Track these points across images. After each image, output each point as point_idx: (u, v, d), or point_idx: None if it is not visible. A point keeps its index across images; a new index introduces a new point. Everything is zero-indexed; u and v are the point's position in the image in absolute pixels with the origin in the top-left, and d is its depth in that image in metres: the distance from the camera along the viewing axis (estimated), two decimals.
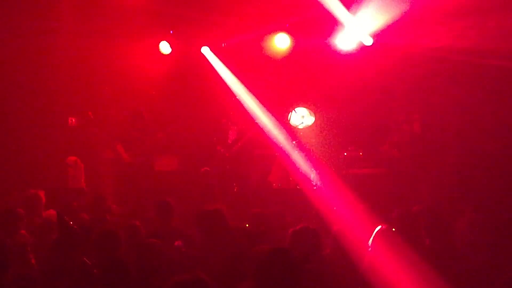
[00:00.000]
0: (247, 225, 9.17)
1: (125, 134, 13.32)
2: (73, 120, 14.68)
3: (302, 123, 14.97)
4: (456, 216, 9.28)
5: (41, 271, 6.90)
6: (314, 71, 15.55)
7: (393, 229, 8.26)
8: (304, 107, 15.02)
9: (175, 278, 4.99)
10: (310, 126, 15.26)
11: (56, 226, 7.71)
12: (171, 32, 15.45)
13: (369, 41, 14.23)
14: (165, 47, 15.26)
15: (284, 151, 14.05)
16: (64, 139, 14.37)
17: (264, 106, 14.72)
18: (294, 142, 14.13)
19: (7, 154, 13.70)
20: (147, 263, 6.45)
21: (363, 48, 14.35)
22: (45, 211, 9.59)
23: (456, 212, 9.91)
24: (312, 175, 13.74)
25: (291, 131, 14.40)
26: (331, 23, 14.26)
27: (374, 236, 7.13)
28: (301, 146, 14.23)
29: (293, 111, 14.61)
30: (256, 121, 14.04)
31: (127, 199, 12.83)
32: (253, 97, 14.75)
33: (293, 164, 13.78)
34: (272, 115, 14.54)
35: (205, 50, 15.37)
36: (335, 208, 9.77)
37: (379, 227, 7.42)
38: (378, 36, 14.10)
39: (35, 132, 14.14)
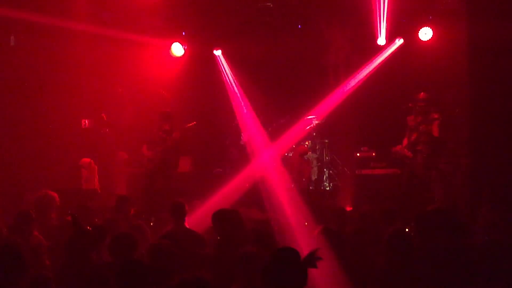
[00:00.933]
0: None
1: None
2: (87, 122, 14.71)
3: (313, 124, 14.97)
4: (471, 216, 9.26)
5: (56, 273, 6.91)
6: (327, 71, 15.55)
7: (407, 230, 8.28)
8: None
9: (178, 277, 5.02)
10: (323, 127, 15.25)
11: (72, 227, 7.73)
12: (183, 33, 15.47)
13: (383, 41, 14.24)
14: (177, 49, 15.26)
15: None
16: (78, 141, 14.40)
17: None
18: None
19: (21, 155, 13.74)
20: (158, 263, 6.44)
21: (379, 48, 14.35)
22: (59, 212, 9.61)
23: (472, 212, 9.89)
24: None
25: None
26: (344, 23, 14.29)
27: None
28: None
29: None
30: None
31: (141, 200, 12.84)
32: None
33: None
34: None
35: (218, 53, 15.38)
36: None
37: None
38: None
39: (48, 134, 14.18)
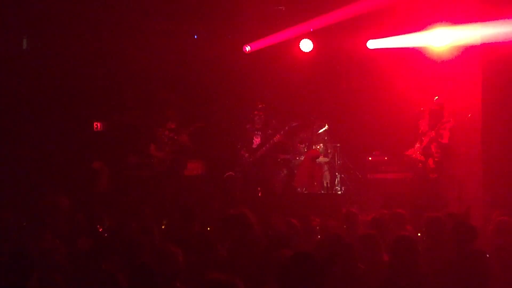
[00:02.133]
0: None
1: (157, 135, 13.31)
2: (98, 125, 14.74)
3: (325, 128, 14.98)
4: (484, 221, 9.20)
5: (66, 276, 6.90)
6: (339, 75, 15.52)
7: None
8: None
9: (210, 276, 4.97)
10: (334, 131, 15.24)
11: (83, 231, 7.74)
12: (195, 37, 15.50)
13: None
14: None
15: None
16: (89, 144, 14.42)
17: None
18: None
19: (32, 159, 13.77)
20: (163, 267, 6.39)
21: (391, 52, 14.31)
22: (71, 215, 9.61)
23: (485, 216, 9.83)
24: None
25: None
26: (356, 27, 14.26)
27: None
28: None
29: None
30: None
31: (152, 203, 12.83)
32: None
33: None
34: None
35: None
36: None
37: None
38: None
39: (60, 137, 14.21)
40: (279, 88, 15.41)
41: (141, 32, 14.70)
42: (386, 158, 14.41)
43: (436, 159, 12.10)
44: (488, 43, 12.19)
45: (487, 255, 6.93)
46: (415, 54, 14.20)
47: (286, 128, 13.73)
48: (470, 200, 12.06)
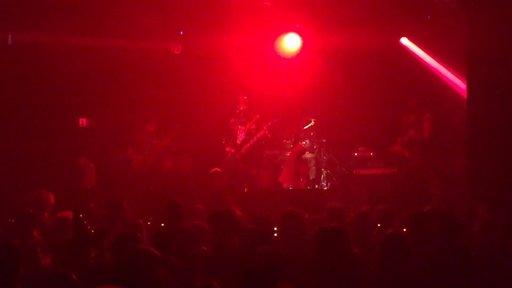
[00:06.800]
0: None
1: (135, 138, 13.30)
2: (84, 121, 14.70)
3: (311, 124, 15.03)
4: (469, 217, 9.24)
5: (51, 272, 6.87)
6: (324, 71, 15.55)
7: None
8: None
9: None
10: (321, 127, 15.28)
11: (69, 226, 7.71)
12: (181, 33, 15.48)
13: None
14: (176, 48, 15.28)
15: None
16: (75, 140, 14.38)
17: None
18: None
19: (19, 155, 13.72)
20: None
21: (377, 48, 14.36)
22: (56, 211, 9.58)
23: (469, 213, 9.88)
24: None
25: None
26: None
27: None
28: None
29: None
30: None
31: (138, 199, 12.83)
32: None
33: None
34: None
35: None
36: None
37: None
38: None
39: (46, 133, 14.16)
40: (263, 83, 15.41)
41: (125, 28, 14.66)
42: (371, 153, 14.46)
43: (416, 155, 12.16)
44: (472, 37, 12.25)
45: (473, 252, 6.97)
46: (398, 50, 14.28)
47: (269, 123, 13.76)
48: (454, 196, 12.12)
